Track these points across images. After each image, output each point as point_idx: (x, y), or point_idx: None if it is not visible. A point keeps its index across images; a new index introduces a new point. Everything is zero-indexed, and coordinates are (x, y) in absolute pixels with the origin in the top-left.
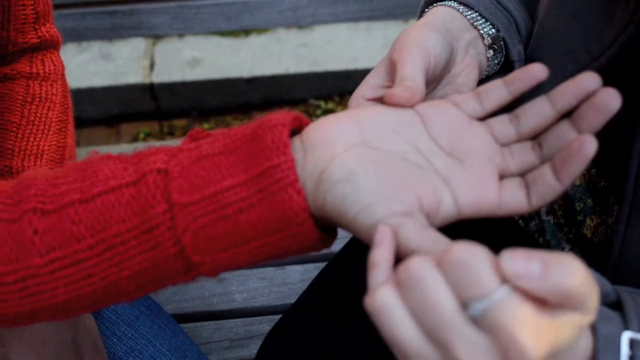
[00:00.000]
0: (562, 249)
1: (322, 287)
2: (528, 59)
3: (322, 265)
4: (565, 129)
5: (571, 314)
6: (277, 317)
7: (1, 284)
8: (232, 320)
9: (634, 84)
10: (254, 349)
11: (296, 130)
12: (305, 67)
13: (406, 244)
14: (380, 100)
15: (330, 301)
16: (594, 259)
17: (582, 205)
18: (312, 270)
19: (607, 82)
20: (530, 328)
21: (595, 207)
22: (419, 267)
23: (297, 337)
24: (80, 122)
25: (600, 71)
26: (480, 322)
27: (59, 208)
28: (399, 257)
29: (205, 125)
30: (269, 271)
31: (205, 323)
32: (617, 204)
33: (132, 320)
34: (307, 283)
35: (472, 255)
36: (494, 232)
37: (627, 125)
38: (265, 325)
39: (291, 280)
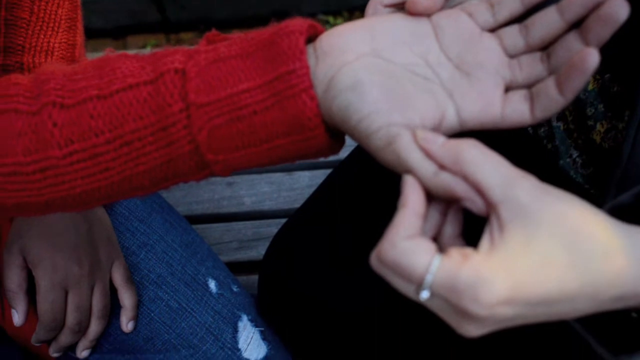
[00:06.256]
0: (570, 156)
1: (328, 190)
2: None
3: (329, 171)
4: (572, 41)
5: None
6: (284, 221)
7: (21, 174)
8: (241, 223)
9: None
10: (262, 250)
11: (311, 37)
12: None
13: (398, 153)
14: (397, 5)
15: (336, 203)
16: (602, 165)
17: (593, 110)
18: (320, 176)
19: None
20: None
21: (607, 112)
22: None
23: (303, 238)
24: (87, 33)
25: None
26: (434, 295)
27: (77, 103)
28: (394, 168)
29: None
30: (277, 176)
31: (214, 225)
32: (629, 109)
33: (144, 216)
34: (315, 189)
35: (397, 254)
36: (502, 138)
37: None
38: (273, 228)
39: (299, 186)
